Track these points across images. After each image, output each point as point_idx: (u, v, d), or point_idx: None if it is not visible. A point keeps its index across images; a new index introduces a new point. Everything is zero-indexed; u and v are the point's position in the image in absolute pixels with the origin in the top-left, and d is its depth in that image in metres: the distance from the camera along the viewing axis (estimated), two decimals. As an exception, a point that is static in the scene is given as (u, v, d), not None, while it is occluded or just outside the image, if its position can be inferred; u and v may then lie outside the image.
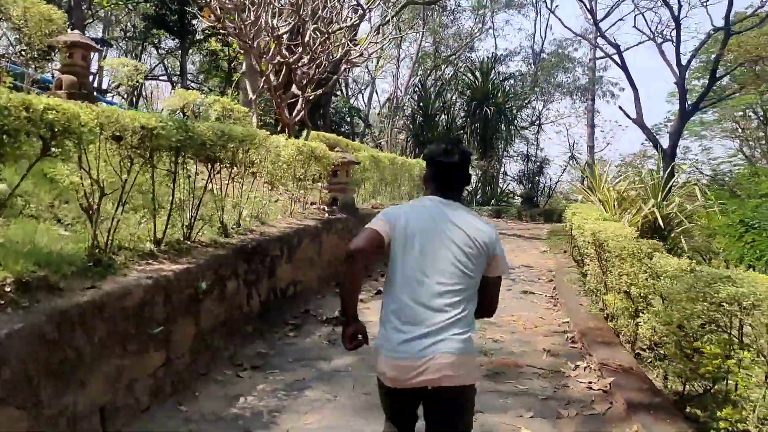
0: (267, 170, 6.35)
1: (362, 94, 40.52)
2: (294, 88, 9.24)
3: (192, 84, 28.18)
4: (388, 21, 13.43)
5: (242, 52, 9.38)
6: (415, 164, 13.43)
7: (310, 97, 9.47)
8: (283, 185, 6.86)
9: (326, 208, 8.12)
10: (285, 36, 8.76)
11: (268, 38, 8.59)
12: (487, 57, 25.90)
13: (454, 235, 2.26)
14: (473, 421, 2.38)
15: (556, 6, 51.89)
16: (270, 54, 8.56)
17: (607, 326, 5.39)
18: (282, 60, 8.41)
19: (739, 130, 36.99)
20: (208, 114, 9.72)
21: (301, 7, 7.88)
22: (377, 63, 36.88)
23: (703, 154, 38.62)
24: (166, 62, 31.05)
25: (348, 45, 9.37)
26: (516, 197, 24.34)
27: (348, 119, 30.01)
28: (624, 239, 5.42)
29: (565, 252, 10.96)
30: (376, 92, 38.95)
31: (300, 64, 8.78)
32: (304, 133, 12.07)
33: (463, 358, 2.16)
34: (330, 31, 8.44)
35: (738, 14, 24.81)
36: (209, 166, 4.89)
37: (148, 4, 21.61)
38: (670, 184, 13.32)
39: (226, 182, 5.24)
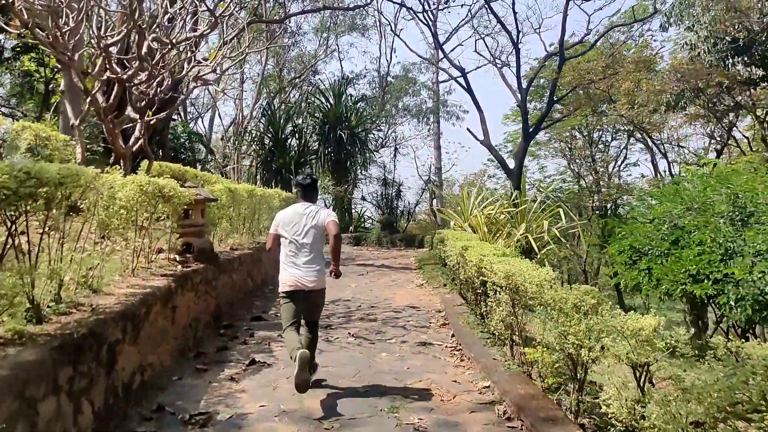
0: (99, 218, 4.75)
1: (202, 119, 38.20)
2: (129, 111, 7.59)
3: (1, 109, 24.34)
4: (240, 35, 11.97)
5: (60, 67, 7.42)
6: (274, 195, 12.10)
7: (151, 122, 7.82)
8: (121, 235, 5.24)
9: (178, 258, 6.58)
10: (115, 48, 7.11)
11: (93, 50, 6.91)
12: (338, 79, 25.22)
13: (307, 222, 4.92)
14: None
15: (401, 29, 53.14)
16: (96, 69, 6.87)
17: (541, 393, 4.51)
18: (112, 77, 6.75)
19: (567, 149, 40.05)
20: (16, 144, 7.72)
21: (135, 12, 6.32)
22: (218, 84, 34.94)
23: (540, 172, 41.30)
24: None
25: (195, 59, 7.88)
26: (375, 223, 23.68)
27: (188, 145, 27.73)
28: (549, 284, 4.62)
29: (445, 285, 10.22)
30: (219, 116, 36.78)
31: (136, 81, 7.16)
32: (144, 164, 10.26)
33: (320, 277, 5.05)
34: (174, 41, 6.91)
35: (566, 42, 26.46)
36: (9, 224, 3.32)
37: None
38: (533, 208, 13.28)
39: (41, 240, 3.66)
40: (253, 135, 25.90)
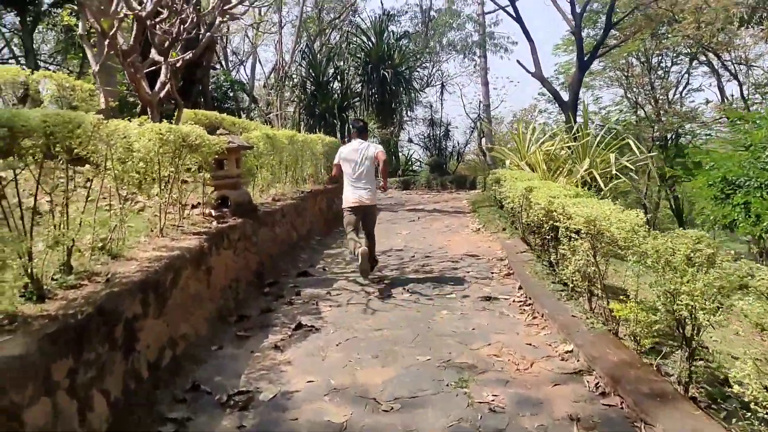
0: (115, 171, 4.14)
1: (244, 67, 37.58)
2: (153, 53, 6.93)
3: (49, 66, 24.18)
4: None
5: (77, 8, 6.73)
6: (316, 141, 11.39)
7: (177, 64, 7.14)
8: (144, 191, 4.65)
9: (213, 213, 6.01)
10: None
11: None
12: (379, 15, 23.88)
13: (362, 154, 6.54)
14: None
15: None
16: (114, 6, 6.18)
17: (637, 359, 3.76)
18: (131, 14, 6.05)
19: (623, 78, 37.76)
20: (39, 95, 7.22)
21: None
22: (257, 30, 34.08)
23: (595, 104, 39.21)
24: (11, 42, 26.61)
25: (220, -10, 7.08)
26: (423, 165, 22.83)
27: (231, 94, 27.22)
28: (643, 231, 3.82)
29: (504, 230, 9.44)
30: (260, 62, 36.07)
31: (158, 20, 6.47)
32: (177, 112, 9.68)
33: (372, 196, 6.66)
34: (194, -29, 6.14)
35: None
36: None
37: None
38: (595, 141, 12.19)
39: (35, 200, 3.08)
40: (295, 80, 25.10)
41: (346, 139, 22.78)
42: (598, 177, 10.78)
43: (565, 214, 5.24)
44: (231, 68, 34.23)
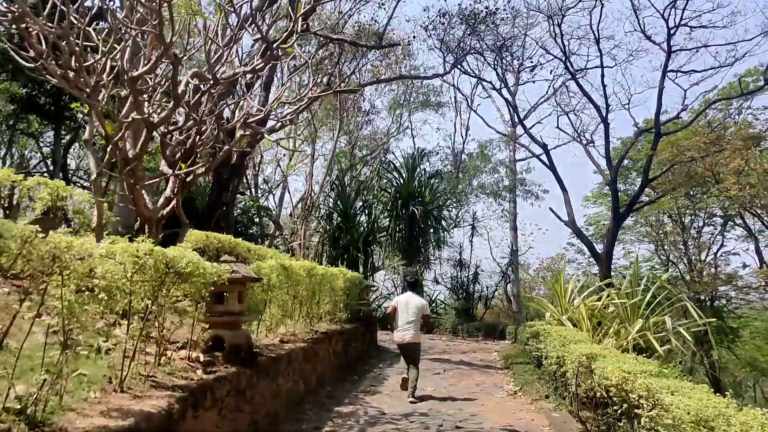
0: (63, 306, 3.06)
1: (273, 195, 37.80)
2: (163, 164, 6.16)
3: (81, 181, 24.31)
4: (304, 67, 10.67)
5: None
6: (338, 275, 10.35)
7: (188, 178, 6.31)
8: (101, 332, 3.53)
9: (202, 358, 4.84)
10: (148, 82, 5.72)
11: (121, 88, 5.58)
12: (412, 152, 23.81)
13: (412, 304, 8.44)
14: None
15: (478, 104, 52.35)
16: (125, 110, 5.49)
17: None
18: (141, 118, 5.32)
19: (653, 234, 36.95)
20: (31, 204, 6.41)
21: (168, 38, 4.92)
22: (290, 161, 34.60)
23: (625, 258, 38.10)
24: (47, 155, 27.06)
25: (247, 102, 6.42)
26: (448, 308, 21.55)
27: (256, 220, 26.90)
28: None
29: (547, 398, 8.02)
30: (289, 192, 36.23)
31: (172, 128, 5.76)
32: (192, 235, 8.81)
33: (416, 336, 8.44)
34: (220, 77, 5.46)
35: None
36: None
37: (15, 83, 18.09)
38: (646, 299, 10.94)
39: None
40: (322, 211, 24.73)
41: (369, 274, 21.83)
42: (654, 341, 9.43)
43: (653, 401, 3.97)
44: (260, 195, 34.36)
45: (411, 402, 7.76)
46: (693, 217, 34.98)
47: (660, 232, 36.66)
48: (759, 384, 29.37)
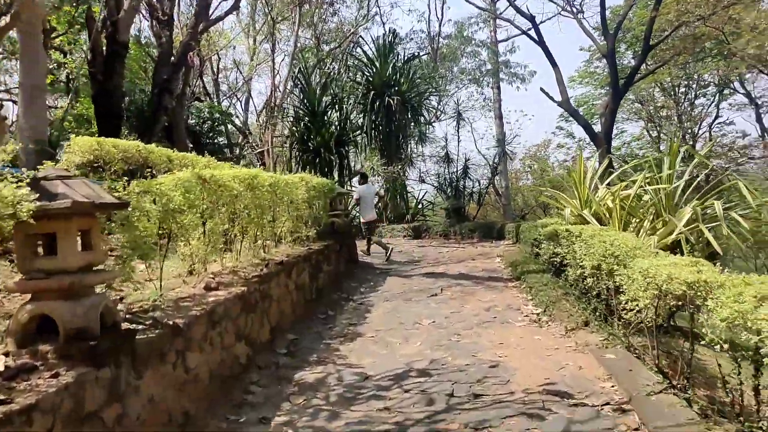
0: None
1: (239, 101, 34.51)
2: None
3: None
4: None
5: None
6: (297, 183, 7.99)
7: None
8: None
9: (11, 360, 2.52)
10: None
11: None
12: (385, 33, 20.72)
13: (371, 191, 13.40)
14: None
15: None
16: None
17: None
18: None
19: (645, 110, 34.84)
20: None
21: None
22: (251, 60, 31.20)
23: (617, 138, 35.89)
24: None
25: None
26: (439, 209, 19.40)
27: (221, 129, 24.05)
28: None
29: (587, 324, 5.94)
30: (251, 98, 33.05)
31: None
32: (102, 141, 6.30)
33: (375, 214, 13.60)
34: None
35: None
36: None
37: None
38: (682, 183, 8.76)
39: None
40: (287, 112, 21.93)
41: (346, 179, 19.47)
42: (711, 237, 7.30)
43: None
44: (224, 102, 31.24)
45: (387, 261, 12.00)
46: (687, 88, 32.72)
47: (652, 107, 34.47)
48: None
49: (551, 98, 22.26)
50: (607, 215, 8.77)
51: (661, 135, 35.48)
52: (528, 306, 7.30)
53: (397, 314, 7.15)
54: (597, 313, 6.18)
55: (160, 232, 4.16)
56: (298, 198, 8.00)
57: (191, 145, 21.23)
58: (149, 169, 6.60)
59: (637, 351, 5.20)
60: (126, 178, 4.04)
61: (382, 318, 6.99)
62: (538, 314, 6.85)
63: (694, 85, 32.38)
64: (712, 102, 33.42)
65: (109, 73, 11.95)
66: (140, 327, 3.46)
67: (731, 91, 32.72)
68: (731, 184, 8.63)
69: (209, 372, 4.04)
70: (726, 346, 3.28)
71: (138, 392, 3.07)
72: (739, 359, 3.24)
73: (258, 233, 6.74)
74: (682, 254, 7.40)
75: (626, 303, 4.80)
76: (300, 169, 18.56)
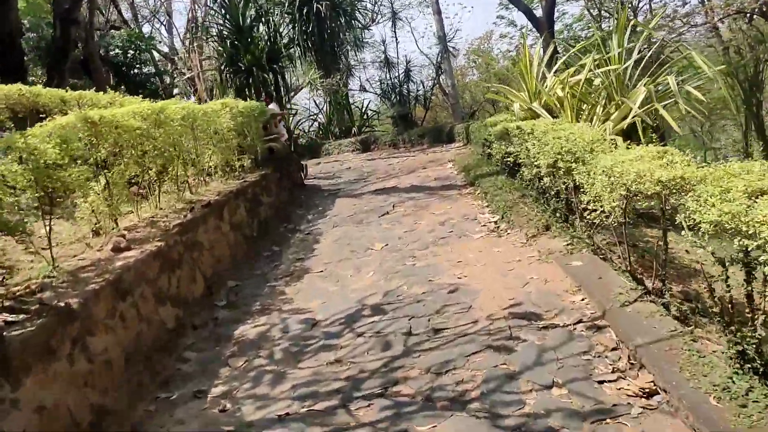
0: None
1: (163, 25, 32.02)
2: None
3: None
4: None
5: None
6: (219, 111, 7.16)
7: None
8: None
9: None
10: None
11: None
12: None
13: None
14: None
15: None
16: None
17: None
18: None
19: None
20: None
21: None
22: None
23: (559, 21, 34.88)
24: None
25: None
26: (385, 118, 18.62)
27: (141, 57, 22.23)
28: None
29: (548, 228, 5.52)
30: (172, 19, 30.70)
31: None
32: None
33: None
34: None
35: None
36: None
37: None
38: (632, 60, 8.22)
39: None
40: (211, 31, 20.31)
41: (285, 97, 18.38)
42: (668, 117, 6.87)
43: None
44: (145, 28, 28.94)
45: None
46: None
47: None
48: None
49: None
50: (558, 105, 8.24)
51: (602, 12, 34.79)
52: (485, 214, 6.85)
53: (348, 241, 6.63)
54: (557, 215, 5.75)
55: (38, 195, 3.43)
56: (223, 127, 7.20)
57: (115, 79, 19.69)
58: (41, 115, 5.69)
59: (603, 252, 4.82)
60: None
61: (331, 247, 6.46)
62: (495, 222, 6.41)
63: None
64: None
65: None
66: (20, 317, 2.82)
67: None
68: (685, 55, 8.14)
69: (123, 352, 3.45)
70: (709, 248, 2.84)
71: (17, 406, 2.47)
72: (726, 262, 2.80)
73: (181, 173, 6.00)
74: (639, 139, 7.03)
75: (588, 204, 4.36)
76: (234, 93, 17.38)
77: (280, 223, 7.96)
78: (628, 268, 4.10)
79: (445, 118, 26.91)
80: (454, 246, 5.78)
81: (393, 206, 8.15)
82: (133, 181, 5.15)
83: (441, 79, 23.19)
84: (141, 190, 5.56)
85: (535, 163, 6.15)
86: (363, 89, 20.62)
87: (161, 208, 5.38)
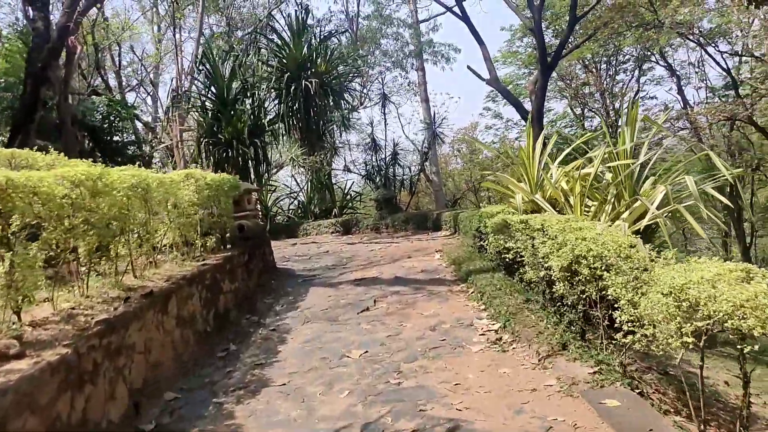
0: None
1: (149, 95, 31.69)
2: None
3: None
4: None
5: None
6: (177, 182, 6.21)
7: None
8: None
9: None
10: None
11: None
12: (297, 9, 18.88)
13: None
14: None
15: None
16: None
17: None
18: None
19: (568, 88, 34.64)
20: None
21: None
22: (156, 49, 28.61)
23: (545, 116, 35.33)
24: None
25: None
26: (369, 200, 17.85)
27: (120, 124, 21.52)
28: None
29: (564, 347, 4.52)
30: (156, 90, 30.39)
31: None
32: None
33: None
34: None
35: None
36: None
37: None
38: (643, 155, 7.57)
39: None
40: (195, 102, 19.78)
41: (265, 173, 17.63)
42: (690, 218, 6.08)
43: None
44: (131, 97, 28.52)
45: None
46: (607, 64, 32.61)
47: (574, 85, 34.17)
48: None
49: (479, 76, 21.07)
50: (563, 199, 7.45)
51: (585, 112, 35.52)
52: (482, 319, 5.85)
53: (319, 344, 5.55)
54: (572, 329, 4.79)
55: None
56: (184, 201, 6.23)
57: (91, 144, 18.87)
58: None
59: (638, 385, 3.83)
60: None
61: (299, 351, 5.37)
62: (496, 331, 5.40)
63: (614, 61, 32.31)
64: (632, 77, 33.49)
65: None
66: None
67: (651, 65, 32.77)
68: (701, 155, 7.49)
69: None
70: None
71: None
72: None
73: (123, 252, 4.96)
74: (650, 242, 6.21)
75: (624, 324, 3.43)
76: (212, 166, 16.61)
77: (243, 315, 6.85)
78: (695, 419, 3.10)
79: (427, 204, 26.37)
80: (449, 361, 4.74)
81: (374, 301, 7.12)
82: (59, 260, 4.11)
83: (426, 165, 22.75)
84: (71, 269, 4.50)
85: (545, 264, 5.26)
86: (347, 170, 20.00)
87: (88, 296, 4.30)
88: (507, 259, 6.97)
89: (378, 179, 17.68)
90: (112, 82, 27.61)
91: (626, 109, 29.96)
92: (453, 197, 26.04)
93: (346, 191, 18.80)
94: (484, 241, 8.50)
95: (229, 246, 7.87)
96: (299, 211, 19.09)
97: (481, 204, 24.73)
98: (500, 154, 15.40)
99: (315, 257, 11.41)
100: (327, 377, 4.59)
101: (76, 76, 23.68)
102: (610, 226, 6.42)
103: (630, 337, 3.68)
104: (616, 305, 4.53)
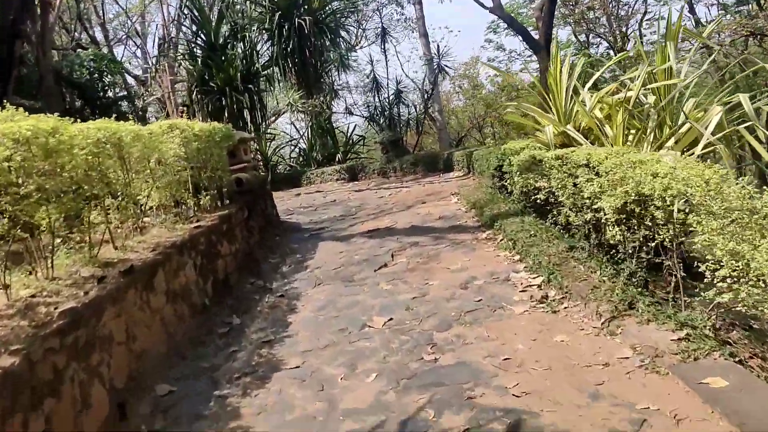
0: None
1: (138, 48, 30.26)
2: None
3: None
4: None
5: None
6: (158, 134, 5.38)
7: None
8: None
9: None
10: None
11: None
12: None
13: None
14: None
15: None
16: None
17: None
18: None
19: (572, 14, 33.09)
20: None
21: None
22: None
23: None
24: None
25: None
26: (374, 144, 16.94)
27: (106, 79, 20.43)
28: None
29: (632, 307, 3.76)
30: (141, 40, 29.00)
31: None
32: None
33: None
34: None
35: None
36: None
37: None
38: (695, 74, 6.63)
39: None
40: (181, 49, 18.65)
41: (263, 121, 16.69)
42: (756, 143, 5.23)
43: None
44: (118, 50, 27.22)
45: None
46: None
47: (578, 10, 32.60)
48: None
49: (482, 5, 19.66)
50: (599, 128, 6.57)
51: (590, 39, 34.04)
52: (519, 273, 5.08)
53: (335, 311, 4.83)
54: (635, 282, 4.02)
55: None
56: (169, 156, 5.41)
57: (79, 101, 17.89)
58: None
59: (737, 354, 3.09)
60: None
61: (312, 322, 4.65)
62: (540, 286, 4.65)
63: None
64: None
65: None
66: None
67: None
68: (758, 67, 6.56)
69: None
70: None
71: None
72: None
73: (97, 220, 4.18)
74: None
75: (724, 281, 2.68)
76: (206, 116, 15.67)
77: (246, 279, 6.12)
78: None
79: (431, 144, 25.36)
80: (491, 327, 4.00)
81: (392, 256, 6.38)
82: (8, 237, 3.33)
83: (428, 104, 21.69)
84: (33, 246, 3.73)
85: (593, 206, 4.47)
86: (349, 112, 18.98)
87: (55, 279, 3.54)
88: (538, 201, 6.18)
89: (382, 121, 16.71)
90: (99, 36, 26.27)
91: (644, 29, 28.43)
92: (457, 136, 25.02)
93: (348, 135, 17.85)
94: (506, 181, 7.70)
95: (227, 202, 7.11)
96: (301, 159, 18.22)
97: (486, 141, 23.72)
98: (528, 85, 14.35)
99: (321, 208, 10.64)
100: (348, 355, 3.88)
101: (58, 30, 22.46)
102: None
103: (726, 295, 2.93)
104: (692, 253, 3.77)
